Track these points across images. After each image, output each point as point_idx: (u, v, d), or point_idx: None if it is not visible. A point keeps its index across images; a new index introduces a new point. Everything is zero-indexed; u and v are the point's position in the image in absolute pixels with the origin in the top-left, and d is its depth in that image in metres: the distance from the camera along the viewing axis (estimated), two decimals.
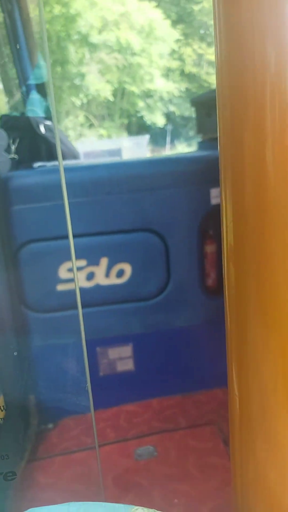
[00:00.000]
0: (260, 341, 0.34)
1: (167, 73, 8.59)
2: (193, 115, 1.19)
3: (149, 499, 0.72)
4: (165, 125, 8.36)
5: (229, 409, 0.41)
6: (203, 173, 0.93)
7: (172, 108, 8.53)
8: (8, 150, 0.95)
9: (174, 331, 1.00)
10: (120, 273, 0.93)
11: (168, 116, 8.51)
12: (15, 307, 0.90)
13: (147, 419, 0.94)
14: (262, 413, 0.35)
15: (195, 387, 1.02)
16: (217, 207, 0.93)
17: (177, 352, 1.00)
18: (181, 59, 8.84)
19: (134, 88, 7.99)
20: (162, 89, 8.33)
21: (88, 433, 0.90)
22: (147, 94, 8.18)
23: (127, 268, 0.93)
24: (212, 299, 0.99)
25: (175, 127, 8.67)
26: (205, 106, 1.10)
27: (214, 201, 0.93)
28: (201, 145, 1.16)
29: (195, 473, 0.77)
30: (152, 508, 0.35)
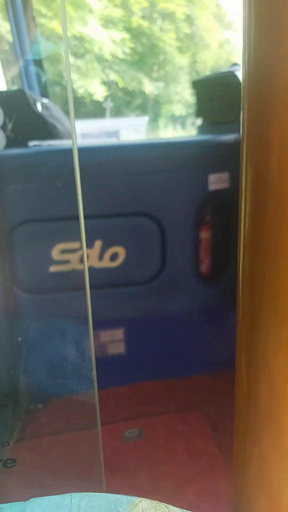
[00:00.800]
0: (271, 331, 0.34)
1: (106, 24, 5.28)
2: (192, 97, 1.17)
3: (136, 480, 0.74)
4: (104, 99, 5.19)
5: (235, 398, 0.41)
6: (202, 158, 0.92)
7: (112, 76, 5.48)
8: (3, 127, 0.93)
9: (166, 317, 1.00)
10: (114, 257, 0.92)
11: (108, 87, 5.36)
12: (7, 288, 0.89)
13: (136, 401, 0.95)
14: (270, 403, 0.35)
15: (184, 372, 1.03)
16: (215, 193, 0.93)
17: (168, 337, 1.01)
18: (125, 6, 5.51)
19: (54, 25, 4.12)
20: (100, 43, 5.14)
21: (78, 414, 0.91)
22: (77, 53, 5.00)
23: (122, 252, 0.92)
24: (205, 286, 0.99)
25: (116, 104, 5.45)
26: (208, 89, 1.09)
27: (212, 187, 0.92)
28: (201, 129, 1.15)
29: (182, 456, 0.79)
30: (155, 500, 0.35)
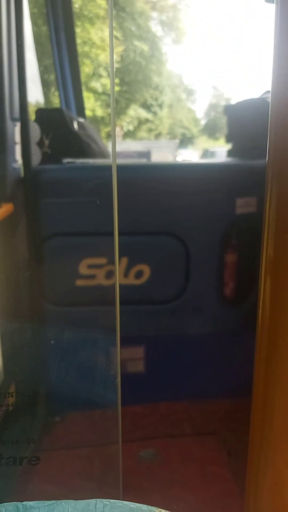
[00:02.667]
0: None
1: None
2: (224, 123, 1.19)
3: (149, 502, 0.72)
4: None
5: (252, 418, 0.41)
6: (230, 181, 0.93)
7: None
8: (40, 143, 0.97)
9: (187, 338, 1.00)
10: (139, 274, 0.94)
11: None
12: (35, 299, 0.91)
13: (152, 422, 0.94)
14: (286, 424, 0.35)
15: (203, 395, 1.01)
16: (242, 217, 0.93)
17: (189, 358, 1.00)
18: None
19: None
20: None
21: (93, 430, 0.91)
22: None
23: (146, 270, 0.93)
24: (228, 309, 0.99)
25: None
26: (239, 114, 1.10)
27: (239, 210, 0.93)
28: (231, 154, 1.16)
29: (196, 480, 0.77)
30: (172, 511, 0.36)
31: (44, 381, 0.91)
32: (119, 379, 0.62)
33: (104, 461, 0.81)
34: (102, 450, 0.83)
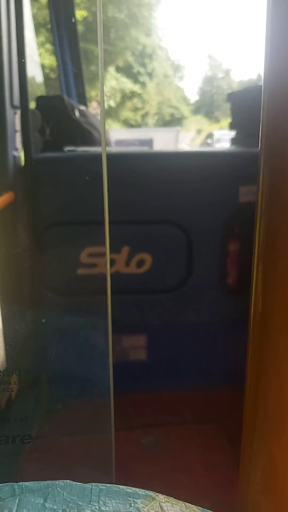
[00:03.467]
0: (282, 342, 0.34)
1: None
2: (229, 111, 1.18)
3: (149, 488, 0.73)
4: None
5: (245, 405, 0.41)
6: (233, 170, 0.92)
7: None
8: (41, 131, 0.96)
9: (190, 326, 1.00)
10: (141, 263, 0.93)
11: None
12: (36, 288, 0.91)
13: (154, 409, 0.95)
14: (279, 408, 0.35)
15: (205, 383, 1.02)
16: (245, 206, 0.92)
17: (191, 347, 1.01)
18: None
19: None
20: None
21: (95, 417, 0.91)
22: None
23: (148, 259, 0.93)
24: (231, 298, 0.98)
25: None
26: (243, 101, 1.09)
27: (242, 199, 0.92)
28: (235, 141, 1.15)
29: (197, 467, 0.78)
30: (171, 496, 0.36)
31: (45, 369, 0.92)
32: (111, 364, 0.62)
33: (100, 448, 0.81)
34: (99, 437, 0.84)
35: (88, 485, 0.36)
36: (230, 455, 0.81)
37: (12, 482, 0.37)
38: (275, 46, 0.33)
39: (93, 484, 0.36)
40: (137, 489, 0.36)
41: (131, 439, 0.85)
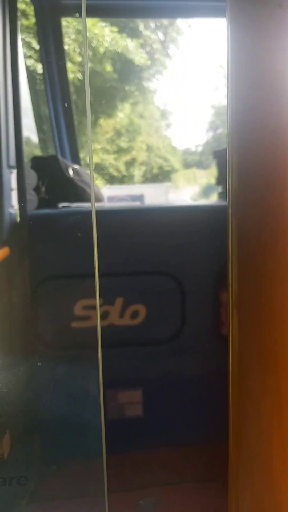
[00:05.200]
0: (259, 383, 0.35)
1: None
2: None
3: None
4: None
5: (229, 449, 0.41)
6: (223, 222, 0.95)
7: None
8: (36, 189, 1.00)
9: (186, 379, 0.99)
10: (135, 315, 0.94)
11: None
12: (29, 342, 0.91)
13: (152, 468, 0.91)
14: (259, 448, 0.35)
15: (205, 439, 0.99)
16: None
17: (188, 401, 0.98)
18: None
19: None
20: None
21: (92, 480, 0.87)
22: None
23: (142, 310, 0.93)
24: (226, 348, 0.98)
25: None
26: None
27: None
28: (222, 195, 1.19)
29: None
30: None
31: (37, 427, 0.89)
32: (103, 428, 0.61)
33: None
34: (93, 500, 0.80)
35: None
36: None
37: None
38: (237, 107, 0.37)
39: None
40: None
41: (127, 501, 0.81)
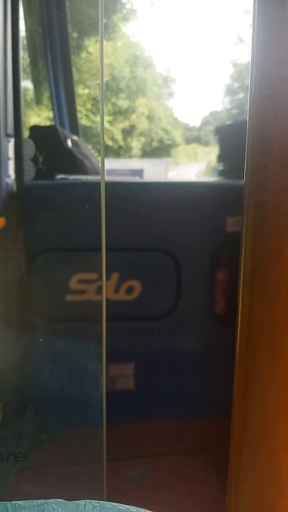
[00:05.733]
0: (267, 367, 0.35)
1: None
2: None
3: None
4: None
5: (232, 433, 0.41)
6: (221, 200, 0.94)
7: None
8: (34, 160, 0.98)
9: (178, 355, 1.00)
10: (130, 290, 0.94)
11: None
12: (24, 315, 0.91)
13: (142, 440, 0.93)
14: (265, 429, 0.36)
15: (194, 412, 1.01)
16: (233, 236, 0.94)
17: (179, 376, 1.00)
18: None
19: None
20: None
21: (83, 448, 0.89)
22: None
23: (137, 286, 0.94)
24: (219, 326, 0.99)
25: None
26: (230, 135, 1.13)
27: (230, 229, 0.94)
28: (223, 174, 1.18)
29: (186, 501, 0.76)
30: None
31: (31, 397, 0.90)
32: (104, 393, 0.61)
33: (90, 480, 0.79)
34: (88, 469, 0.82)
35: (82, 502, 0.36)
36: (219, 487, 0.79)
37: (5, 501, 0.36)
38: (260, 84, 0.36)
39: (86, 500, 0.36)
40: (129, 507, 0.36)
41: (117, 471, 0.84)
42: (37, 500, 0.35)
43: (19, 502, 0.35)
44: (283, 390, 0.35)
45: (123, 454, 0.89)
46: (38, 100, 1.28)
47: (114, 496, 0.77)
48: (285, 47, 0.33)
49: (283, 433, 0.35)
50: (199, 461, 0.87)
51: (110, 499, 0.74)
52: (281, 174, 0.34)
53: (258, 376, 0.36)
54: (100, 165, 0.55)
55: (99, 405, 0.69)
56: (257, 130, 0.36)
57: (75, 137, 1.14)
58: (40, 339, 0.93)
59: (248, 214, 0.38)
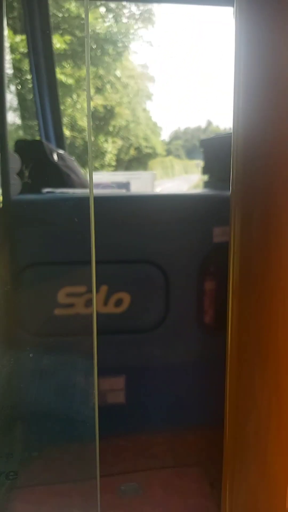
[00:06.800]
0: (257, 375, 0.35)
1: None
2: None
3: None
4: None
5: (225, 443, 0.41)
6: (207, 211, 0.95)
7: None
8: (20, 174, 0.98)
9: (168, 366, 1.00)
10: (119, 303, 0.94)
11: None
12: (12, 330, 0.90)
13: (134, 454, 0.92)
14: (257, 438, 0.36)
15: (186, 424, 1.00)
16: (219, 246, 0.95)
17: (171, 387, 1.00)
18: None
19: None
20: None
21: (73, 464, 0.88)
22: None
23: (126, 298, 0.94)
24: (208, 336, 0.99)
25: None
26: (215, 147, 1.14)
27: (216, 239, 0.95)
28: (208, 185, 1.19)
29: None
30: None
31: (20, 413, 0.89)
32: (96, 407, 0.61)
33: (83, 497, 0.78)
34: (81, 485, 0.81)
35: None
36: (212, 498, 0.78)
37: None
38: (244, 96, 0.36)
39: None
40: None
41: (110, 486, 0.82)
42: None
43: None
44: (274, 397, 0.35)
45: (115, 469, 0.88)
46: (22, 114, 1.29)
47: (107, 511, 0.76)
48: (268, 57, 0.34)
49: (276, 442, 0.35)
50: (192, 473, 0.86)
51: None
52: (267, 184, 0.34)
53: (249, 384, 0.37)
54: (89, 178, 0.56)
55: (91, 420, 0.69)
56: (242, 141, 0.37)
57: (61, 151, 1.15)
58: (30, 354, 0.93)
59: (235, 224, 0.38)
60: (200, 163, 1.21)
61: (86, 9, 0.58)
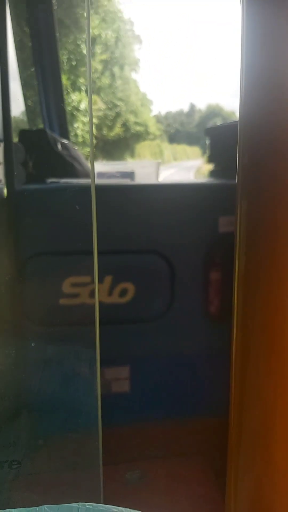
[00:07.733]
0: (263, 366, 0.35)
1: None
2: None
3: None
4: None
5: (230, 433, 0.41)
6: (213, 201, 0.94)
7: None
8: (24, 164, 0.98)
9: (173, 356, 1.00)
10: (123, 293, 0.94)
11: None
12: (17, 319, 0.90)
13: (139, 443, 0.93)
14: (264, 436, 0.36)
15: (190, 414, 1.00)
16: (225, 236, 0.94)
17: (175, 377, 1.00)
18: None
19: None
20: None
21: (79, 453, 0.89)
22: None
23: (131, 288, 0.93)
24: (214, 327, 0.99)
25: None
26: (221, 136, 1.13)
27: (222, 229, 0.94)
28: (213, 174, 1.18)
29: (184, 503, 0.76)
30: None
31: (25, 402, 0.90)
32: (99, 397, 0.61)
33: (87, 485, 0.79)
34: (85, 473, 0.81)
35: (75, 505, 0.36)
36: (217, 488, 0.79)
37: None
38: (250, 84, 0.36)
39: (80, 503, 0.36)
40: (123, 509, 0.36)
41: (114, 474, 0.83)
42: (29, 508, 0.35)
43: (12, 510, 0.35)
44: (279, 388, 0.35)
45: (120, 458, 0.89)
46: (26, 104, 1.28)
47: (111, 499, 0.76)
48: (275, 48, 0.33)
49: (281, 432, 0.35)
50: (196, 462, 0.86)
51: (107, 503, 0.74)
52: (273, 172, 0.34)
53: (254, 374, 0.36)
54: (90, 168, 0.55)
55: (94, 409, 0.69)
56: (248, 129, 0.36)
57: (64, 141, 1.14)
58: (33, 344, 0.93)
59: (241, 214, 0.38)
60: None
61: (87, 9, 0.57)
